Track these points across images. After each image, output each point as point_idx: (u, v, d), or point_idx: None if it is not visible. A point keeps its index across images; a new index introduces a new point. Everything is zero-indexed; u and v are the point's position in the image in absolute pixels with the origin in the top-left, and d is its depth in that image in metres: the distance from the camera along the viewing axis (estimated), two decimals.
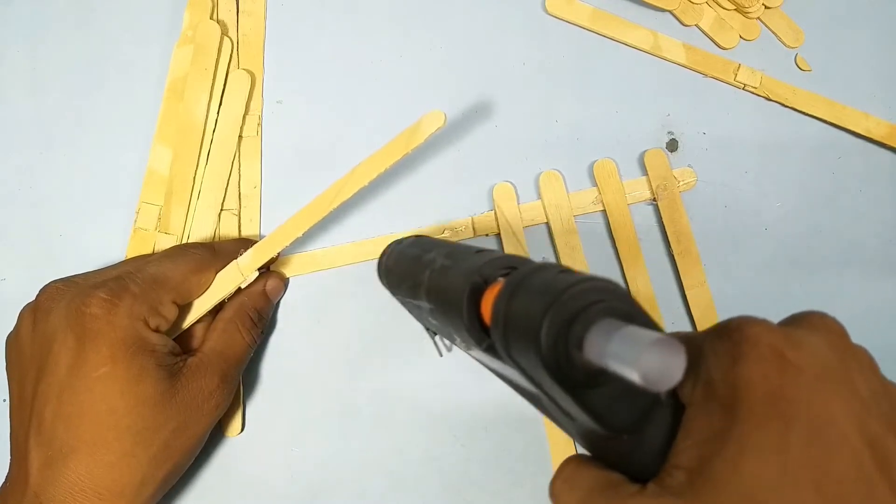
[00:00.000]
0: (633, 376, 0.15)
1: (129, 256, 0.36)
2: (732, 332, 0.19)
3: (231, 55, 0.37)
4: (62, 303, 0.29)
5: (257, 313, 0.34)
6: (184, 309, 0.32)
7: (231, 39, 0.37)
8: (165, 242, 0.35)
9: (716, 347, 0.19)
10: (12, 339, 0.31)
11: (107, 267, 0.33)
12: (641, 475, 0.19)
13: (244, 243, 0.34)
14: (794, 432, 0.17)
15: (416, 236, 0.32)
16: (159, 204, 0.36)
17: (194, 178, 0.36)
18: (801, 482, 0.17)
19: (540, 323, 0.17)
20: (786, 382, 0.18)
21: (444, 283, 0.25)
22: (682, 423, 0.19)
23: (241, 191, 0.37)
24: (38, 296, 0.30)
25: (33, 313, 0.30)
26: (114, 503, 0.28)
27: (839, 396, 0.18)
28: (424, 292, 0.26)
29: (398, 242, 0.31)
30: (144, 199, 0.36)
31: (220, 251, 0.33)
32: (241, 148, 0.37)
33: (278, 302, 0.36)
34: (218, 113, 0.36)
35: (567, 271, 0.19)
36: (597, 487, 0.20)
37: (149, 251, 0.35)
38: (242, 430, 0.35)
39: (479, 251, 0.25)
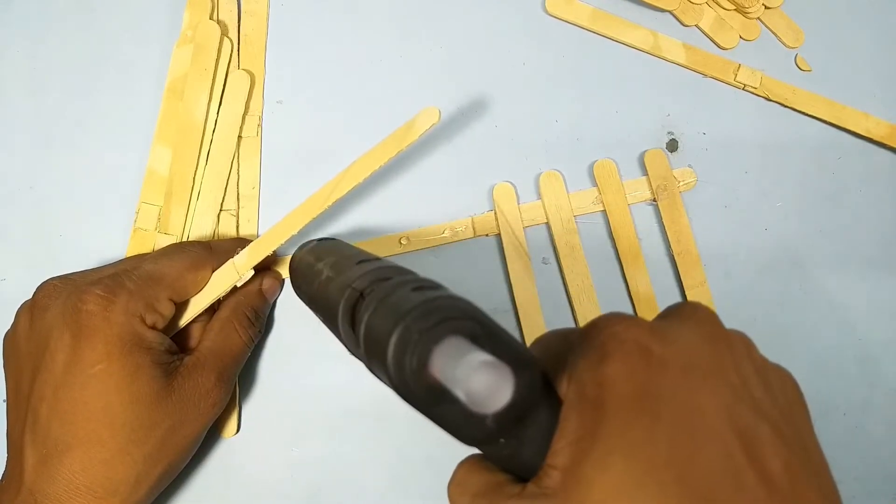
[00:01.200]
0: (461, 397, 0.15)
1: (128, 256, 0.36)
2: (600, 331, 0.19)
3: (231, 55, 0.37)
4: (59, 300, 0.29)
5: (254, 312, 0.34)
6: (180, 308, 0.32)
7: (231, 40, 0.37)
8: (165, 243, 0.35)
9: (584, 346, 0.19)
10: (9, 337, 0.31)
11: (104, 265, 0.33)
12: (527, 474, 0.19)
13: (241, 242, 0.34)
14: (660, 428, 0.17)
15: (319, 240, 0.31)
16: (159, 204, 0.36)
17: (194, 178, 0.36)
18: (667, 478, 0.17)
19: (387, 343, 0.17)
20: (651, 378, 0.18)
21: (326, 296, 0.24)
22: (558, 423, 0.19)
23: (240, 191, 0.37)
24: (35, 293, 0.30)
25: (30, 311, 0.30)
26: (108, 501, 0.28)
27: (707, 388, 0.18)
28: (314, 303, 0.26)
29: (303, 246, 0.31)
30: (144, 200, 0.36)
31: (217, 249, 0.33)
32: (241, 148, 0.37)
33: (275, 301, 0.36)
34: (218, 113, 0.36)
35: (422, 288, 0.19)
36: (482, 490, 0.20)
37: (149, 251, 0.35)
38: (238, 431, 0.35)
39: (362, 261, 0.24)
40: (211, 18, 0.37)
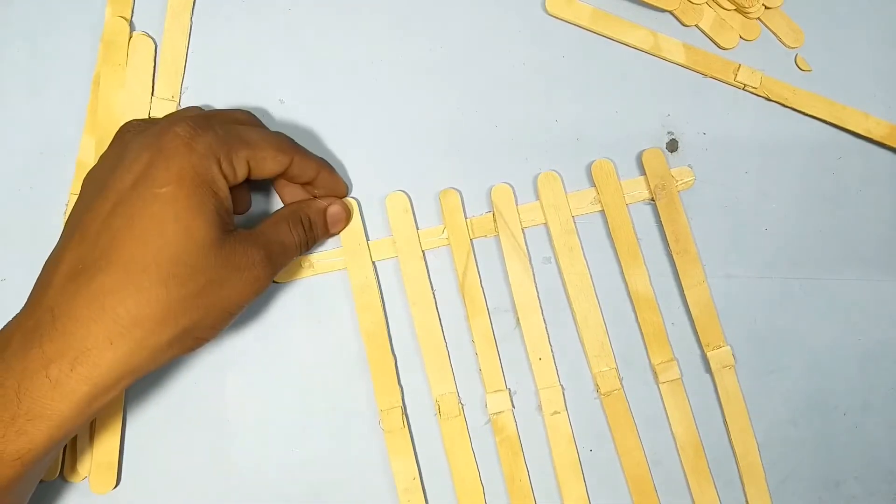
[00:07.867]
0: None
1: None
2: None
3: (157, 50, 0.37)
4: (146, 128, 0.29)
5: (309, 222, 0.33)
6: (241, 195, 0.33)
7: (151, 36, 0.37)
8: None
9: None
10: (89, 173, 0.31)
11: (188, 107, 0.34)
12: None
13: (323, 165, 0.34)
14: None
15: None
16: None
17: None
18: None
19: None
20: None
21: None
22: None
23: None
24: (120, 128, 0.31)
25: (113, 140, 0.30)
26: (129, 332, 0.26)
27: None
28: None
29: None
30: (74, 191, 0.36)
31: (302, 151, 0.33)
32: None
33: (275, 302, 0.36)
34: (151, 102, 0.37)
35: None
36: None
37: None
38: (117, 485, 0.35)
39: None
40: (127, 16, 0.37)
